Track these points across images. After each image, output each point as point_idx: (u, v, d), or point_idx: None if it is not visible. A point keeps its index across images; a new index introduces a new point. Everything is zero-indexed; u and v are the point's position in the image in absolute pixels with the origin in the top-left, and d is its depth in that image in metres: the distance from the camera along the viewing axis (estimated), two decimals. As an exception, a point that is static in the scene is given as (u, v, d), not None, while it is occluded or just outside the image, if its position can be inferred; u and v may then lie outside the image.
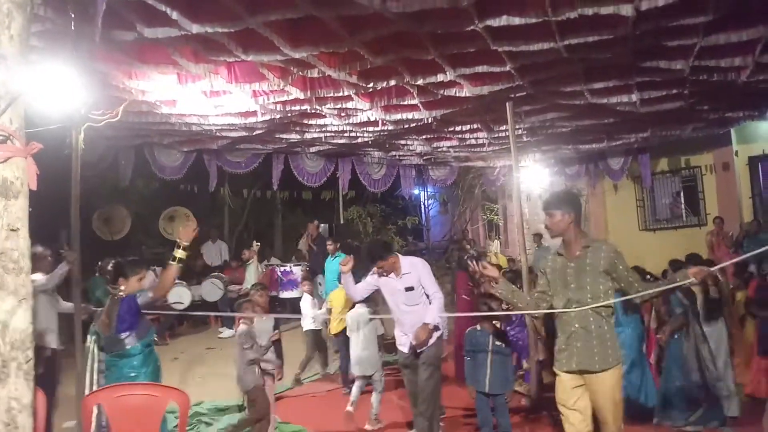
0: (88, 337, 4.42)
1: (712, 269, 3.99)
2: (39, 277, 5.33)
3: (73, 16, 3.98)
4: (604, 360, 3.73)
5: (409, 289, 5.19)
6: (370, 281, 5.37)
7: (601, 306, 3.78)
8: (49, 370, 5.26)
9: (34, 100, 4.16)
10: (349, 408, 6.17)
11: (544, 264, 4.11)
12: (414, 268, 5.24)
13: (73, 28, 4.09)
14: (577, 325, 3.81)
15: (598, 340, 3.76)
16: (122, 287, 4.29)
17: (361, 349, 6.46)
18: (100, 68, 5.22)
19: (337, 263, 9.45)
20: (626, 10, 4.26)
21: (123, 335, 4.16)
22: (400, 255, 5.35)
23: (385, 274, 5.21)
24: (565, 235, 3.92)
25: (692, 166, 12.81)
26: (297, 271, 12.57)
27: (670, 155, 12.83)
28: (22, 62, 2.36)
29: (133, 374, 4.17)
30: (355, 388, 6.35)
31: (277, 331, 5.96)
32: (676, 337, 5.69)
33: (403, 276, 5.20)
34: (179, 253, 4.28)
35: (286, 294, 12.45)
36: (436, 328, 5.10)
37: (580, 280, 3.82)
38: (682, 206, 13.21)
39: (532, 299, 4.18)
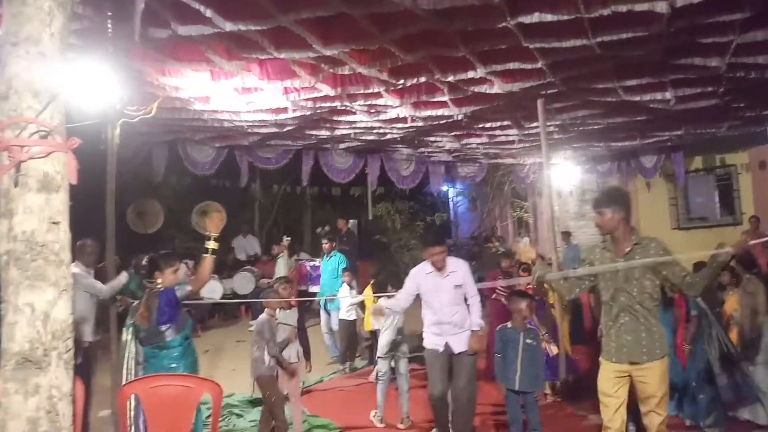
0: (124, 330, 4.52)
1: (752, 241, 4.02)
2: (78, 270, 5.46)
3: (110, 14, 4.07)
4: (651, 352, 3.83)
5: (458, 287, 5.21)
6: (410, 287, 5.31)
7: (647, 301, 3.86)
8: (85, 361, 5.39)
9: (72, 97, 4.27)
10: (375, 420, 6.20)
11: (592, 258, 4.15)
12: (459, 267, 5.27)
13: (110, 26, 4.19)
14: (627, 318, 3.90)
15: (646, 332, 3.85)
16: (159, 280, 4.38)
17: (390, 334, 6.46)
18: (135, 65, 5.33)
19: (332, 263, 9.42)
20: (661, 6, 4.20)
21: (163, 327, 4.26)
22: None
23: (438, 265, 5.17)
24: (615, 232, 3.97)
25: (727, 165, 12.55)
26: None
27: (704, 153, 12.58)
28: (61, 60, 2.43)
29: (173, 365, 4.26)
30: (379, 393, 6.29)
31: (294, 327, 5.91)
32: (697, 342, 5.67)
33: (450, 274, 5.21)
34: (211, 244, 4.40)
35: (315, 288, 12.52)
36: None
37: (629, 273, 3.90)
38: (717, 205, 12.96)
39: (568, 283, 4.29)
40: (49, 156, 2.34)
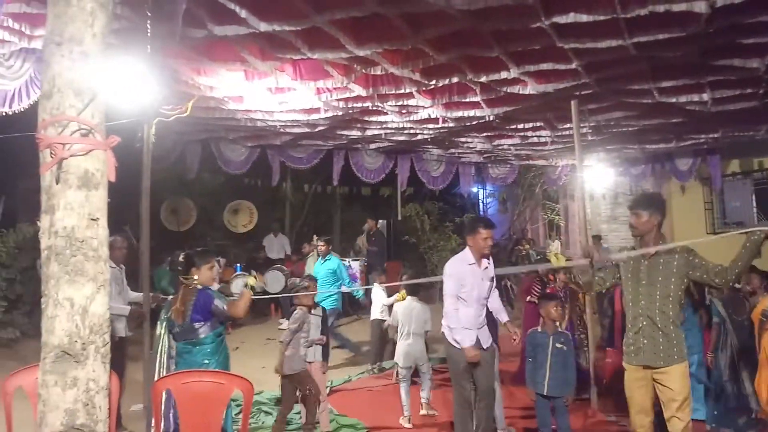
0: (158, 324, 4.59)
1: None
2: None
3: (149, 14, 4.14)
4: (668, 357, 3.90)
5: (492, 279, 5.24)
6: (455, 285, 5.10)
7: (668, 306, 3.93)
8: (117, 357, 5.49)
9: (111, 96, 4.35)
10: (404, 422, 6.20)
11: (619, 258, 4.30)
12: (490, 262, 5.28)
13: (149, 26, 4.26)
14: (645, 322, 3.97)
15: (664, 337, 3.90)
16: (195, 277, 4.45)
17: (409, 341, 6.49)
18: (171, 65, 5.41)
19: (327, 266, 9.08)
20: (700, 6, 4.12)
21: (197, 325, 4.33)
22: None
23: (485, 252, 5.15)
24: (646, 236, 4.07)
25: (766, 168, 12.26)
26: (356, 266, 12.68)
27: (742, 156, 12.29)
28: (102, 59, 2.48)
29: (206, 361, 4.33)
30: (403, 393, 6.30)
31: (323, 337, 5.91)
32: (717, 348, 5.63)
33: (488, 267, 5.22)
34: (251, 281, 4.81)
35: (343, 288, 12.57)
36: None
37: (651, 277, 3.97)
38: (754, 209, 12.67)
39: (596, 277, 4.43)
40: (89, 153, 2.39)
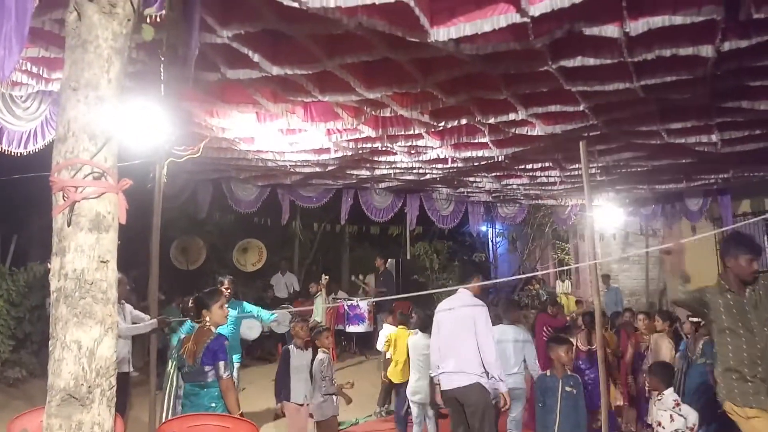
0: (170, 360, 4.54)
1: None
2: None
3: (163, 59, 4.22)
4: None
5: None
6: (434, 328, 5.38)
7: None
8: (120, 393, 5.45)
9: (124, 137, 4.42)
10: None
11: (714, 301, 4.14)
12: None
13: (162, 69, 4.34)
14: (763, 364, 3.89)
15: None
16: (207, 318, 4.42)
17: (416, 377, 6.40)
18: (184, 107, 5.50)
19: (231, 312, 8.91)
20: (707, 51, 4.15)
21: (207, 368, 4.27)
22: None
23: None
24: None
25: (777, 209, 12.20)
26: (363, 305, 12.60)
27: (753, 196, 12.24)
28: (117, 103, 2.52)
29: (213, 405, 4.26)
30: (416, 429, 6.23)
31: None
32: None
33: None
34: None
35: (352, 328, 12.48)
36: None
37: (759, 316, 3.94)
38: (766, 250, 12.55)
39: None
40: (101, 196, 2.41)
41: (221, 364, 4.27)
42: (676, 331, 7.29)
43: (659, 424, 5.00)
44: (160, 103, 4.76)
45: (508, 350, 6.10)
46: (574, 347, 5.81)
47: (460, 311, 5.22)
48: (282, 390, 5.68)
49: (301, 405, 5.65)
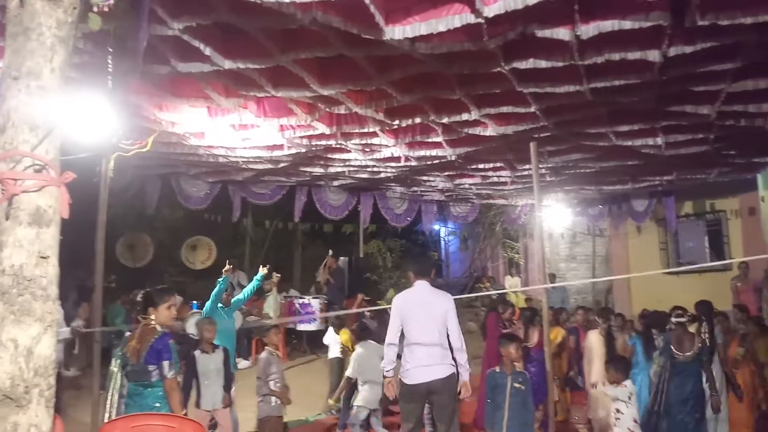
0: (113, 359, 4.39)
1: None
2: None
3: (111, 50, 4.10)
4: None
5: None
6: (397, 322, 5.10)
7: None
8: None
9: (68, 130, 4.26)
10: None
11: None
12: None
13: (110, 61, 4.21)
14: None
15: None
16: (152, 316, 4.29)
17: (365, 388, 6.42)
18: (132, 100, 5.35)
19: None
20: (653, 55, 4.27)
21: (151, 367, 4.15)
22: None
23: None
24: None
25: (717, 210, 12.65)
26: (315, 303, 12.54)
27: (695, 198, 12.69)
28: (60, 94, 2.43)
29: (157, 405, 4.13)
30: None
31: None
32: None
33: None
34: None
35: (303, 326, 12.40)
36: None
37: None
38: (707, 250, 13.02)
39: None
40: (42, 190, 2.32)
41: (165, 363, 4.15)
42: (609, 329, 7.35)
43: (618, 411, 5.36)
44: (108, 96, 4.61)
45: None
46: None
47: (432, 303, 5.12)
48: (188, 397, 5.36)
49: (209, 411, 5.43)
